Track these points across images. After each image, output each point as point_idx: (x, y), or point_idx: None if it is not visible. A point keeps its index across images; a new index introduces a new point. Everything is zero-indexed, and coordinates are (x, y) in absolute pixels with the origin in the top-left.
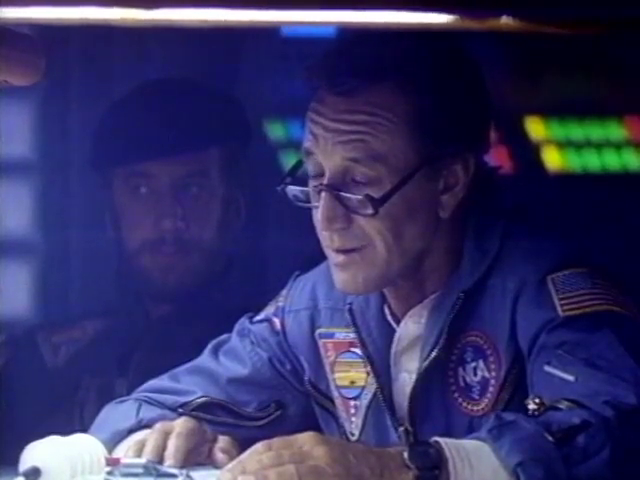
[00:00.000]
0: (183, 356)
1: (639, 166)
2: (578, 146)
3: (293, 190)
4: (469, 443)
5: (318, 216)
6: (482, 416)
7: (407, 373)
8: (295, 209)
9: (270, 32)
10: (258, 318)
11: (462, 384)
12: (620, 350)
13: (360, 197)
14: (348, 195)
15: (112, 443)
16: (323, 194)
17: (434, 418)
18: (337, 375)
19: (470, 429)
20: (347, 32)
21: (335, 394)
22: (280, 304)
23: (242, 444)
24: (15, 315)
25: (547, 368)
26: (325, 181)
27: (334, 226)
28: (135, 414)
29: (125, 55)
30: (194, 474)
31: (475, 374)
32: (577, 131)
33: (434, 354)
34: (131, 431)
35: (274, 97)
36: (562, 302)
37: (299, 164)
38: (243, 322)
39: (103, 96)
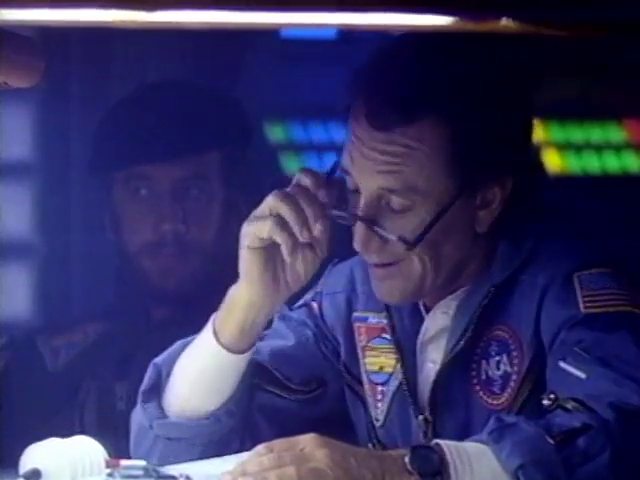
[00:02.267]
0: None
1: (639, 168)
2: (578, 148)
3: (336, 214)
4: (470, 445)
5: (354, 241)
6: (501, 410)
7: (432, 363)
8: None
9: (270, 34)
10: (297, 305)
11: (484, 377)
12: (635, 351)
13: (394, 238)
14: (382, 232)
15: (177, 352)
16: (358, 223)
17: (454, 409)
18: (367, 360)
19: None
20: (375, 55)
21: (364, 378)
22: (318, 289)
23: (283, 424)
24: (15, 318)
25: (562, 364)
26: (360, 210)
27: (370, 249)
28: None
29: (125, 57)
30: (194, 476)
31: (498, 368)
32: (577, 134)
33: (460, 346)
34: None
35: (274, 99)
36: (585, 299)
37: (336, 166)
38: (282, 308)
39: (103, 98)
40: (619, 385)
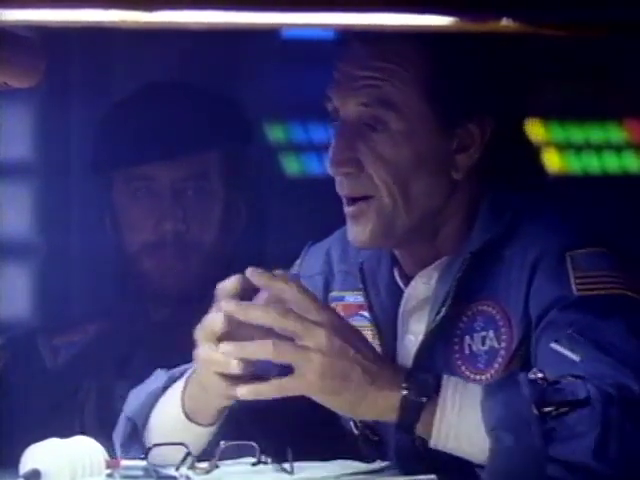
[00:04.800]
0: (183, 358)
1: (639, 168)
2: (578, 148)
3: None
4: (471, 389)
5: (329, 161)
6: None
7: (413, 335)
8: (295, 211)
9: (270, 34)
10: None
11: (467, 352)
12: (629, 338)
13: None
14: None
15: (149, 405)
16: (334, 145)
17: None
18: None
19: None
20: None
21: None
22: (295, 271)
23: (264, 416)
24: (15, 317)
25: (554, 345)
26: (337, 125)
27: (342, 169)
28: (165, 373)
29: (125, 57)
30: (194, 476)
31: (483, 344)
32: (577, 134)
33: (441, 316)
34: (165, 388)
35: (274, 99)
36: (578, 281)
37: None
38: None
39: (103, 98)
40: (616, 369)
